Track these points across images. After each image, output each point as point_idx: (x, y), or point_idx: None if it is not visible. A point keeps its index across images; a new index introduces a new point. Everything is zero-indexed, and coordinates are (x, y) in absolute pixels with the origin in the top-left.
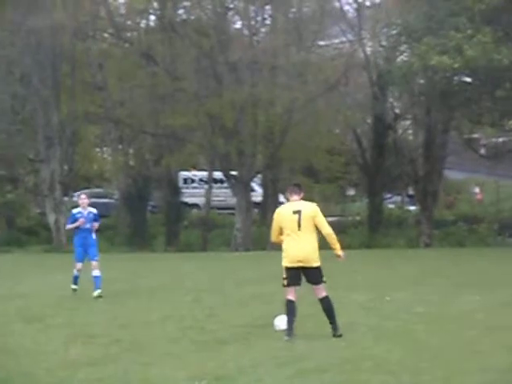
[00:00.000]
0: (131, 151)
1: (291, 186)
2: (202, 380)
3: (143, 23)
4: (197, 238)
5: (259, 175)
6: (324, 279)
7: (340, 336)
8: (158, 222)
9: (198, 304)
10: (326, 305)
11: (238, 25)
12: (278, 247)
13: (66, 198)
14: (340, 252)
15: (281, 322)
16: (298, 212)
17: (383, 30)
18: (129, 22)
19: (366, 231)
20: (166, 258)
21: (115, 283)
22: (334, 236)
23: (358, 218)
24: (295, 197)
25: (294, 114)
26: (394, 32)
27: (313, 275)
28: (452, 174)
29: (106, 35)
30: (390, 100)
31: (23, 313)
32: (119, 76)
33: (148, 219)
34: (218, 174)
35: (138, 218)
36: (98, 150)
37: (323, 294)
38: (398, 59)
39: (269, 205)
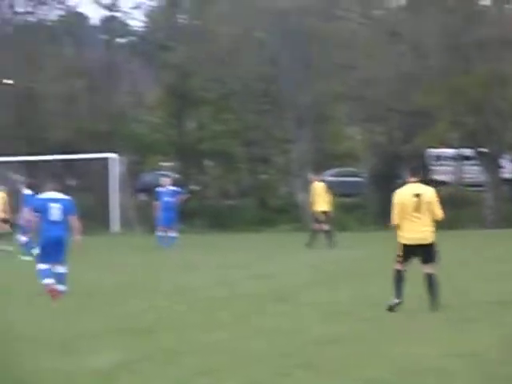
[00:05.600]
0: (380, 129)
1: (410, 169)
2: (452, 357)
3: (391, 1)
4: (446, 216)
5: (509, 151)
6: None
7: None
8: None
9: (446, 280)
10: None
11: (486, 1)
12: None
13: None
14: None
15: None
16: (418, 195)
17: None
18: (376, 1)
19: None
20: None
21: (363, 262)
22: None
23: None
24: (413, 179)
25: None
26: None
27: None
28: None
29: (354, 15)
30: None
31: (275, 292)
32: (367, 55)
33: None
34: (466, 151)
35: (387, 196)
36: (346, 128)
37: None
38: None
39: None
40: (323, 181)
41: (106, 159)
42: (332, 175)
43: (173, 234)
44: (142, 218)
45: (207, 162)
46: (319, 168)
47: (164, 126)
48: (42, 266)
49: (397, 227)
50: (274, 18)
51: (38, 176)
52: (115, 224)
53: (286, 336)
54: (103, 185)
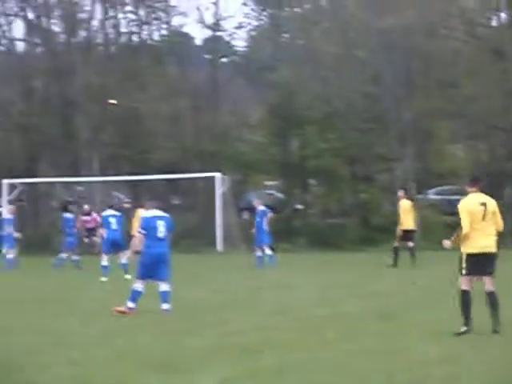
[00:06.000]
0: (483, 147)
1: (471, 178)
2: None
3: (495, 19)
4: None
5: None
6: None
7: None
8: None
9: None
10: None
11: None
12: None
13: (419, 196)
14: None
15: None
16: (484, 204)
17: None
18: (481, 19)
19: None
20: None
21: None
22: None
23: None
24: (474, 188)
25: None
26: None
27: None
28: None
29: (457, 33)
30: None
31: (378, 311)
32: (471, 72)
33: None
34: None
35: None
36: (450, 146)
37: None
38: None
39: None
40: (411, 199)
41: (211, 178)
42: (436, 193)
43: (268, 252)
44: (246, 237)
45: (310, 181)
46: (421, 186)
47: (267, 145)
48: (139, 287)
49: (465, 237)
50: (377, 36)
51: (142, 195)
52: (221, 243)
53: (391, 355)
54: (209, 204)
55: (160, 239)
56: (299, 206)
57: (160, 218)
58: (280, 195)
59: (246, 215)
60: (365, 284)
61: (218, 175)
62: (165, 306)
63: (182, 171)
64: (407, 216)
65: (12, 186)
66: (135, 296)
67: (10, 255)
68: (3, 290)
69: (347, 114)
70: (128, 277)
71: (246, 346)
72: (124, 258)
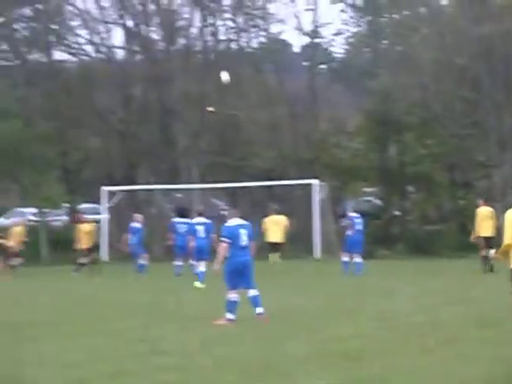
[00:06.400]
0: None
1: None
2: None
3: None
4: None
5: None
6: None
7: None
8: None
9: None
10: None
11: None
12: None
13: None
14: None
15: None
16: None
17: None
18: None
19: None
20: None
21: None
22: None
23: None
24: None
25: None
26: None
27: None
28: None
29: None
30: None
31: (477, 317)
32: None
33: None
34: None
35: None
36: None
37: None
38: None
39: None
40: (491, 206)
41: (309, 185)
42: None
43: (344, 259)
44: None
45: (409, 187)
46: (510, 192)
47: (366, 152)
48: (233, 297)
49: (506, 248)
50: (476, 42)
51: (240, 202)
52: (318, 249)
53: (490, 362)
54: (306, 211)
55: (243, 247)
56: (397, 213)
57: (242, 226)
58: (378, 202)
59: (343, 222)
60: (463, 290)
61: (315, 182)
62: (259, 310)
63: (280, 178)
64: (486, 223)
65: (111, 193)
66: (231, 307)
67: (142, 261)
68: (107, 296)
69: (446, 119)
70: (198, 284)
71: (345, 353)
72: (203, 265)
